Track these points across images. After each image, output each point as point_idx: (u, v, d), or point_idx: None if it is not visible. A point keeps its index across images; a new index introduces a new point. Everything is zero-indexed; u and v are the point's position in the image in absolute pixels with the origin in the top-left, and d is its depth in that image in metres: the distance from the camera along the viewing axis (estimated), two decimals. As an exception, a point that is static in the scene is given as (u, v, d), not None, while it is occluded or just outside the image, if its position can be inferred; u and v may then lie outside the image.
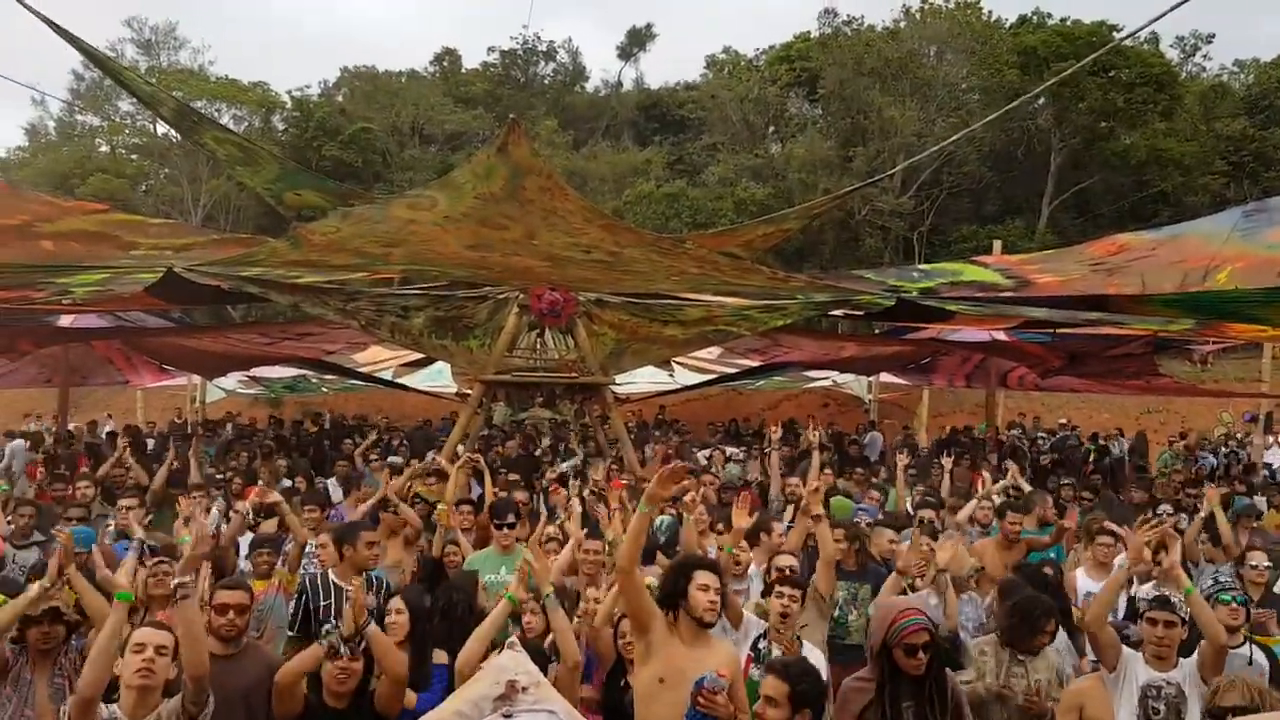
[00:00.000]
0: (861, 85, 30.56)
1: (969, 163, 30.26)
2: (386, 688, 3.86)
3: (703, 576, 3.96)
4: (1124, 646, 4.52)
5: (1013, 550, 6.96)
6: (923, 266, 14.25)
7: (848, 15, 34.99)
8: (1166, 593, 4.48)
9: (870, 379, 20.55)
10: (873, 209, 29.14)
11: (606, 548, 5.46)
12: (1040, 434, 18.64)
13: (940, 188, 30.70)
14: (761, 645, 4.67)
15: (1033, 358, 13.50)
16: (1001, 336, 12.83)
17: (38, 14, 5.41)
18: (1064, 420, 20.60)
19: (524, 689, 1.46)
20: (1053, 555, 7.14)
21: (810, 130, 32.69)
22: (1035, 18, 35.02)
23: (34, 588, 4.09)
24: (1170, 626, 4.36)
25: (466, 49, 48.17)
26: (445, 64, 42.95)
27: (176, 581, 3.68)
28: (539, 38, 41.14)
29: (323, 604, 5.19)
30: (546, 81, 41.83)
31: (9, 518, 7.25)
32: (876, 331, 16.35)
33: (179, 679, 3.63)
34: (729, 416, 21.21)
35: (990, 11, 33.83)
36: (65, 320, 13.10)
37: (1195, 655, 4.45)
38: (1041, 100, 29.72)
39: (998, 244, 14.92)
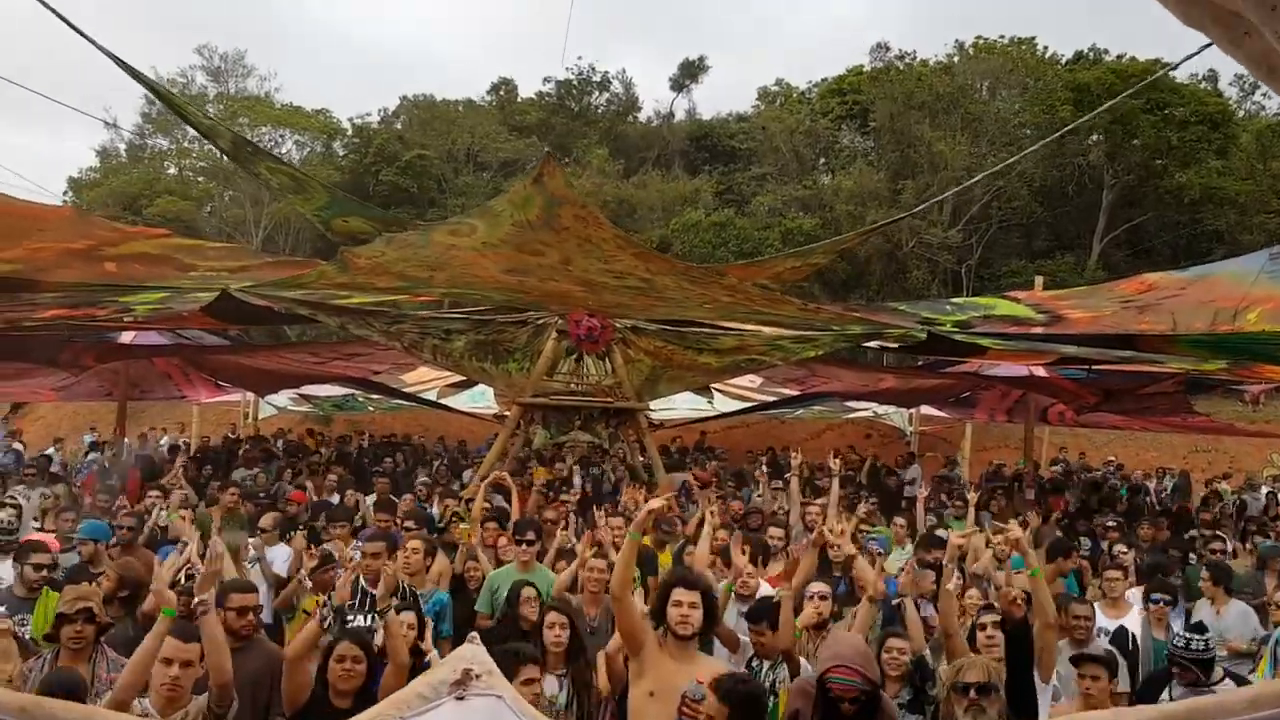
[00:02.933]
0: (912, 119, 30.59)
1: (1019, 197, 30.09)
2: (392, 679, 4.10)
3: (678, 593, 4.17)
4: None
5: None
6: (956, 300, 14.29)
7: (900, 50, 35.12)
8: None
9: (911, 411, 20.48)
10: (920, 241, 29.09)
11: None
12: (1084, 471, 18.48)
13: (990, 222, 30.56)
14: (754, 664, 4.83)
15: (1068, 394, 13.46)
16: (1040, 371, 12.82)
17: (107, 53, 5.81)
18: (1110, 458, 20.35)
19: (477, 676, 1.67)
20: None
21: (860, 162, 32.77)
22: (1090, 55, 34.82)
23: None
24: (997, 627, 4.72)
25: (523, 79, 49.01)
26: (502, 93, 43.77)
27: (197, 600, 3.90)
28: (593, 69, 41.79)
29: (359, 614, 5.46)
30: (600, 111, 42.37)
31: (53, 523, 7.64)
32: (918, 364, 16.37)
33: (206, 677, 3.90)
34: (769, 445, 21.26)
35: (1045, 48, 33.76)
36: (126, 337, 13.66)
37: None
38: (1094, 136, 29.49)
39: (1039, 279, 14.88)
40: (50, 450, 17.21)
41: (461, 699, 1.63)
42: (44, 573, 5.63)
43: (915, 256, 29.48)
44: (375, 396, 19.82)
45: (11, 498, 8.10)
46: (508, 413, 13.19)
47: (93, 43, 5.53)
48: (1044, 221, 31.92)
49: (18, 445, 18.28)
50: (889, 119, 31.55)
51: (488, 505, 8.20)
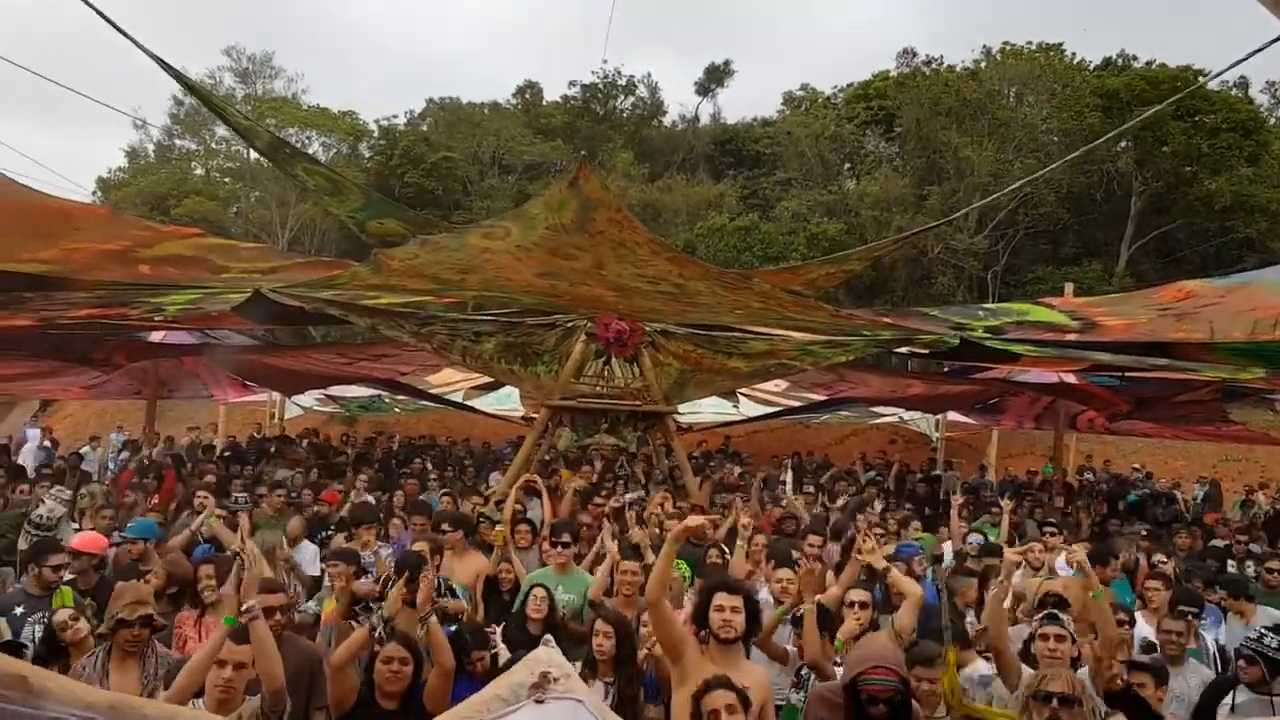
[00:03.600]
0: (938, 124, 30.44)
1: (1046, 204, 29.85)
2: (436, 680, 4.09)
3: (720, 598, 4.15)
4: (1025, 668, 4.62)
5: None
6: (988, 305, 14.18)
7: (926, 55, 34.93)
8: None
9: (937, 417, 20.36)
10: (946, 247, 28.92)
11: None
12: (1112, 479, 18.29)
13: (1016, 228, 30.34)
14: (803, 673, 4.78)
15: (1100, 401, 13.33)
16: (1070, 379, 12.70)
17: (151, 54, 5.84)
18: (1137, 466, 20.16)
19: (555, 679, 1.64)
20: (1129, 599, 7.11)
21: (885, 168, 32.63)
22: (1119, 61, 34.54)
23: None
24: (1060, 640, 4.51)
25: (548, 82, 49.17)
26: (527, 96, 43.87)
27: (245, 606, 3.90)
28: (619, 72, 41.82)
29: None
30: (625, 115, 42.38)
31: (91, 521, 7.68)
32: (945, 370, 16.27)
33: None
34: (794, 450, 21.18)
35: (1073, 54, 33.50)
36: (156, 336, 13.76)
37: (1086, 668, 4.52)
38: (1123, 143, 29.24)
39: (1069, 286, 14.76)
40: (86, 448, 17.32)
41: (541, 702, 1.61)
42: (61, 574, 5.66)
43: (941, 263, 29.31)
44: (401, 398, 19.89)
45: (59, 493, 8.17)
46: (535, 415, 13.21)
47: (135, 43, 5.55)
48: (1071, 228, 31.67)
49: (48, 443, 18.47)
50: (915, 124, 31.41)
51: (520, 508, 8.20)
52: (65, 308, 9.99)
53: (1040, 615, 4.68)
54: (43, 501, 7.18)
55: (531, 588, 5.79)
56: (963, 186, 29.11)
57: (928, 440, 22.29)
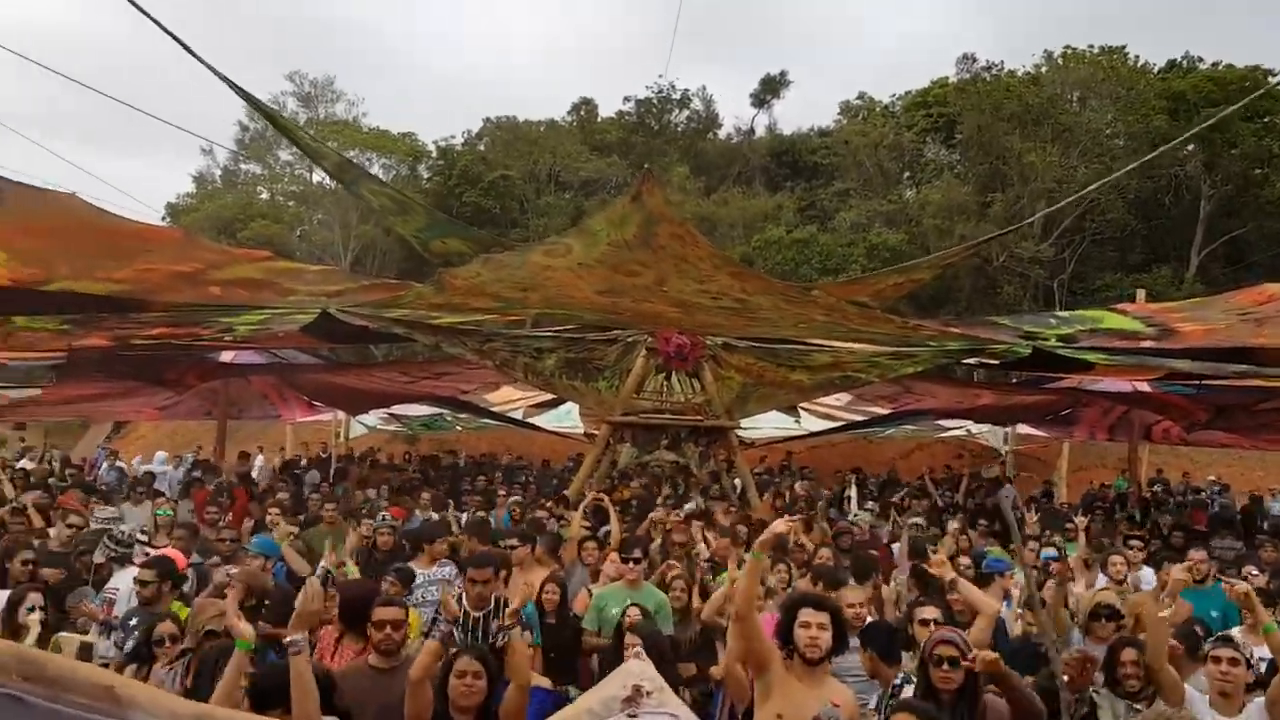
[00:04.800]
0: (1000, 130, 29.97)
1: (1113, 209, 29.17)
2: (514, 696, 4.05)
3: (806, 614, 4.06)
4: (1188, 689, 4.40)
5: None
6: (1060, 313, 13.85)
7: (987, 60, 34.38)
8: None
9: (1006, 429, 19.93)
10: (1011, 255, 28.41)
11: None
12: (1192, 492, 17.76)
13: (1083, 235, 29.72)
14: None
15: (1176, 410, 12.91)
16: (1144, 388, 12.34)
17: (225, 78, 5.96)
18: (1213, 477, 19.52)
19: (648, 693, 1.59)
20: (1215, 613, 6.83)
21: (946, 175, 32.21)
22: (1185, 62, 33.76)
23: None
24: (1234, 664, 4.25)
25: (603, 98, 49.41)
26: (582, 113, 44.19)
27: (288, 640, 3.78)
28: (674, 86, 41.94)
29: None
30: (680, 129, 42.47)
31: (170, 541, 7.82)
32: (1013, 380, 15.94)
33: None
34: (857, 464, 20.90)
35: (1137, 56, 32.79)
36: (227, 356, 14.04)
37: (1264, 698, 4.27)
38: (1191, 146, 28.50)
39: (1141, 293, 14.37)
40: (167, 467, 17.68)
41: (634, 716, 1.56)
42: (153, 588, 5.73)
43: (1006, 271, 28.80)
44: (463, 416, 20.04)
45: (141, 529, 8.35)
46: (596, 431, 13.21)
47: (209, 67, 5.67)
48: (1139, 234, 30.90)
49: (120, 464, 18.93)
50: (976, 131, 30.97)
51: (587, 525, 8.18)
52: (138, 327, 10.24)
53: (1214, 639, 4.47)
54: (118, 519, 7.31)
55: (629, 606, 5.69)
56: (1026, 193, 28.62)
57: (996, 453, 21.85)
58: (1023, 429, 19.32)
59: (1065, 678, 4.35)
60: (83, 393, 14.14)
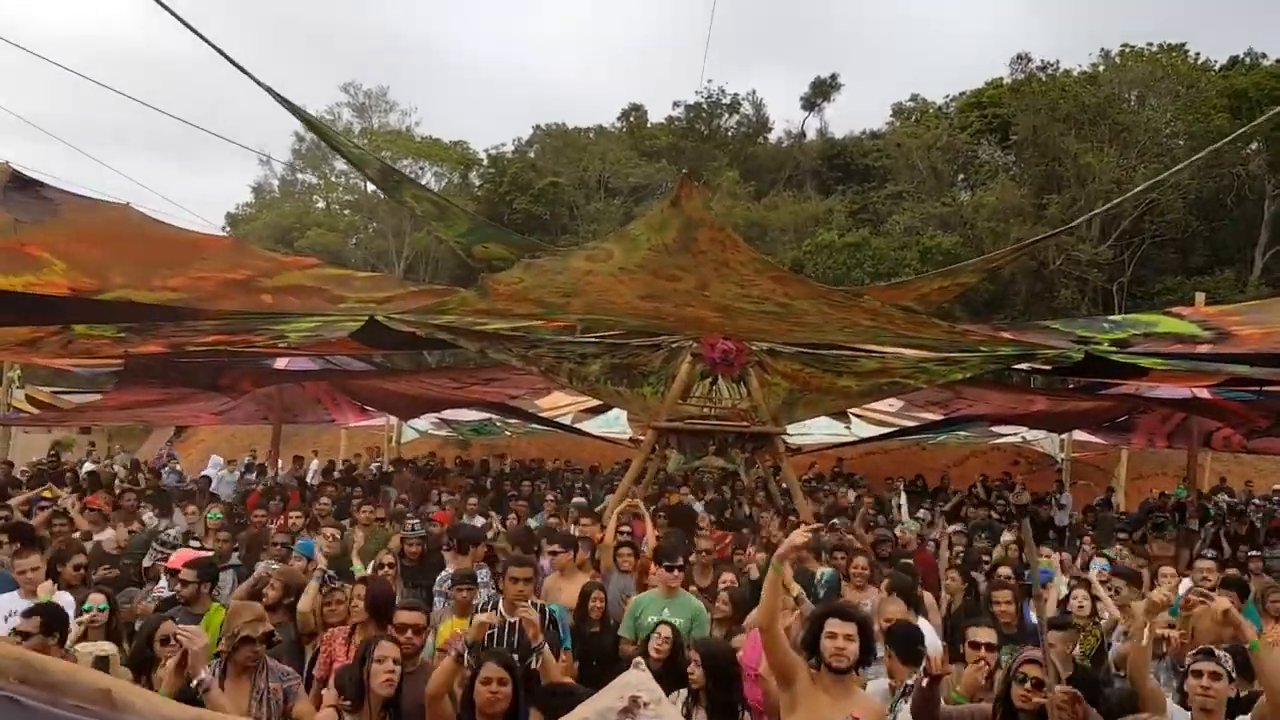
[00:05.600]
0: (1056, 131, 29.46)
1: (1174, 210, 28.49)
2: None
3: (833, 624, 4.02)
4: (1170, 702, 4.32)
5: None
6: (1114, 317, 13.55)
7: (1042, 60, 33.80)
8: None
9: (1062, 436, 19.54)
10: (1068, 258, 27.89)
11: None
12: (1255, 500, 17.26)
13: (1142, 237, 29.07)
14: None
15: (1236, 417, 12.56)
16: (1203, 394, 12.02)
17: (267, 89, 6.08)
18: (1278, 486, 18.97)
19: (645, 704, 1.59)
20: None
21: (1001, 177, 31.70)
22: (1248, 59, 32.91)
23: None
24: (1215, 678, 4.12)
25: (653, 104, 49.49)
26: (632, 119, 44.32)
27: (196, 681, 3.98)
28: (723, 91, 41.87)
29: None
30: (729, 134, 42.38)
31: (212, 542, 8.00)
32: (1070, 386, 15.63)
33: None
34: (910, 472, 20.64)
35: (1197, 54, 32.08)
36: (280, 363, 14.30)
37: (1251, 714, 4.16)
38: (1253, 145, 27.73)
39: (1200, 296, 13.99)
40: (223, 472, 18.05)
41: None
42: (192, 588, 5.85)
43: (1063, 274, 28.27)
44: (513, 421, 20.18)
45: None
46: (642, 437, 13.19)
47: (256, 81, 5.79)
48: (1200, 235, 30.14)
49: (180, 467, 19.39)
50: (1032, 132, 30.46)
51: (626, 532, 8.18)
52: (194, 334, 10.46)
53: (1196, 651, 4.34)
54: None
55: (658, 624, 5.65)
56: (1084, 194, 28.07)
57: (1053, 461, 21.44)
58: (1080, 435, 18.93)
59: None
60: (142, 398, 14.49)
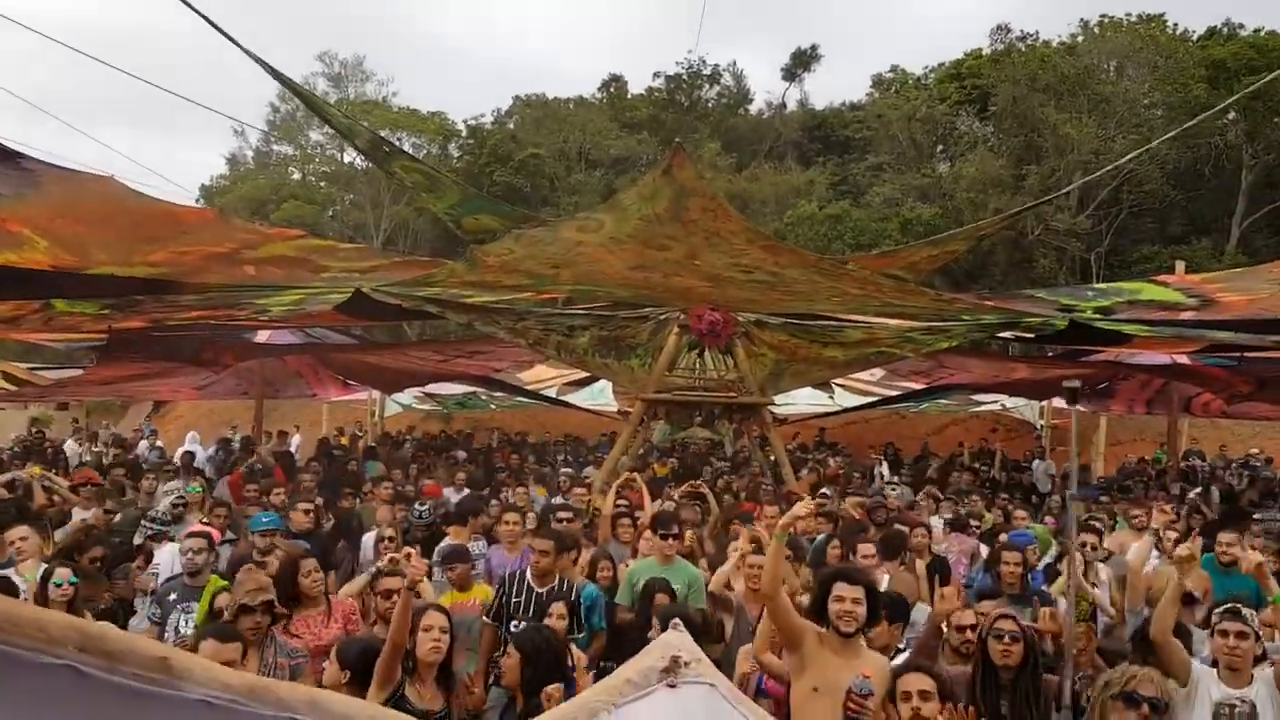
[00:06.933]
0: (1035, 102, 29.48)
1: (1151, 180, 28.63)
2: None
3: (840, 588, 4.09)
4: (1195, 662, 4.32)
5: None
6: (1098, 285, 13.65)
7: (1021, 31, 33.76)
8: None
9: (1042, 404, 19.72)
10: (1047, 228, 28.02)
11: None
12: (1226, 464, 17.53)
13: (1120, 207, 29.23)
14: None
15: (1218, 383, 12.71)
16: (1184, 360, 12.15)
17: (254, 56, 5.99)
18: (1256, 450, 19.23)
19: (687, 663, 1.60)
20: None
21: (980, 149, 31.72)
22: (1225, 30, 33.02)
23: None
24: (1242, 637, 4.15)
25: (633, 75, 49.11)
26: (612, 90, 43.97)
27: None
28: (703, 62, 41.60)
29: (514, 600, 5.63)
30: (710, 105, 42.18)
31: (206, 518, 7.95)
32: (1049, 354, 15.77)
33: None
34: (889, 440, 20.79)
35: (1175, 24, 32.13)
36: (262, 336, 14.18)
37: (1272, 668, 4.18)
38: (1231, 115, 27.87)
39: (1180, 264, 14.11)
40: (197, 447, 17.93)
41: (673, 686, 1.57)
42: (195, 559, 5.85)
43: (1041, 244, 28.42)
44: (498, 394, 20.14)
45: (180, 495, 8.52)
46: (629, 409, 13.23)
47: (241, 47, 5.70)
48: (1178, 205, 30.30)
49: (160, 443, 19.24)
50: (1011, 103, 30.47)
51: (623, 504, 8.19)
52: (175, 309, 10.36)
53: (1221, 610, 4.35)
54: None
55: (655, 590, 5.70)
56: (1062, 165, 28.16)
57: (1032, 428, 21.64)
58: (1059, 403, 19.11)
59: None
60: (123, 373, 14.33)
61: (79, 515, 8.42)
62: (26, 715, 1.00)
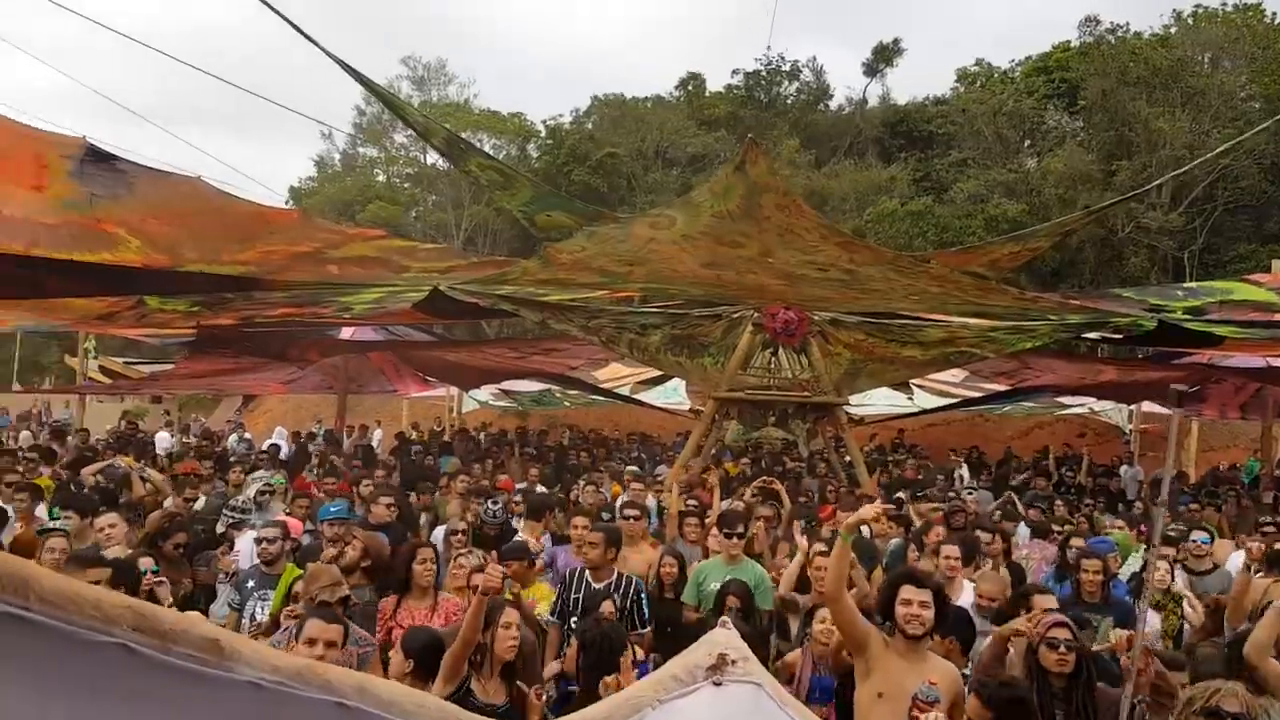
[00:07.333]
0: (1126, 95, 28.58)
1: (1248, 176, 27.48)
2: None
3: (907, 591, 4.02)
4: None
5: None
6: (1188, 285, 13.16)
7: (1111, 22, 32.73)
8: None
9: (1131, 407, 19.09)
10: (1138, 226, 27.12)
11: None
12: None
13: (1215, 204, 28.11)
14: None
15: (1315, 387, 12.17)
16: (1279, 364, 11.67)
17: (334, 58, 6.14)
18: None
19: (734, 661, 1.58)
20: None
21: (1069, 143, 30.85)
22: (1328, 18, 31.53)
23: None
24: None
25: (711, 73, 48.94)
26: (690, 88, 43.85)
27: None
28: (782, 58, 41.24)
29: (573, 596, 5.71)
30: (789, 101, 41.77)
31: (288, 507, 8.17)
32: (1139, 355, 15.27)
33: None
34: (972, 443, 20.35)
35: (1274, 14, 30.79)
36: (346, 333, 14.53)
37: None
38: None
39: (1277, 263, 13.53)
40: (282, 442, 18.46)
41: (719, 684, 1.56)
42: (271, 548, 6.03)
43: (1132, 242, 27.53)
44: (572, 392, 20.27)
45: (268, 485, 8.81)
46: (702, 408, 13.18)
47: (327, 53, 5.84)
48: (1276, 202, 29.01)
49: (248, 435, 19.86)
50: (1100, 96, 29.60)
51: (693, 503, 8.18)
52: (263, 307, 10.67)
53: None
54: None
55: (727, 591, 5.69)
56: (1154, 160, 27.22)
57: (1120, 433, 20.96)
58: (1149, 407, 18.48)
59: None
60: (213, 367, 14.86)
61: (169, 505, 8.74)
62: (81, 691, 1.03)
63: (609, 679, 4.07)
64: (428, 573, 5.42)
